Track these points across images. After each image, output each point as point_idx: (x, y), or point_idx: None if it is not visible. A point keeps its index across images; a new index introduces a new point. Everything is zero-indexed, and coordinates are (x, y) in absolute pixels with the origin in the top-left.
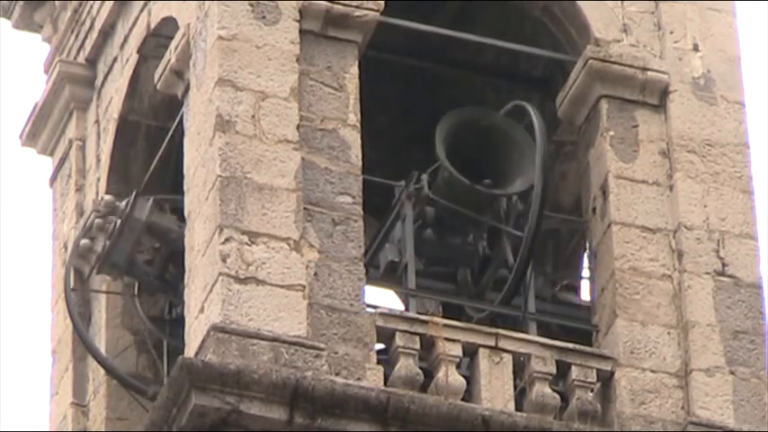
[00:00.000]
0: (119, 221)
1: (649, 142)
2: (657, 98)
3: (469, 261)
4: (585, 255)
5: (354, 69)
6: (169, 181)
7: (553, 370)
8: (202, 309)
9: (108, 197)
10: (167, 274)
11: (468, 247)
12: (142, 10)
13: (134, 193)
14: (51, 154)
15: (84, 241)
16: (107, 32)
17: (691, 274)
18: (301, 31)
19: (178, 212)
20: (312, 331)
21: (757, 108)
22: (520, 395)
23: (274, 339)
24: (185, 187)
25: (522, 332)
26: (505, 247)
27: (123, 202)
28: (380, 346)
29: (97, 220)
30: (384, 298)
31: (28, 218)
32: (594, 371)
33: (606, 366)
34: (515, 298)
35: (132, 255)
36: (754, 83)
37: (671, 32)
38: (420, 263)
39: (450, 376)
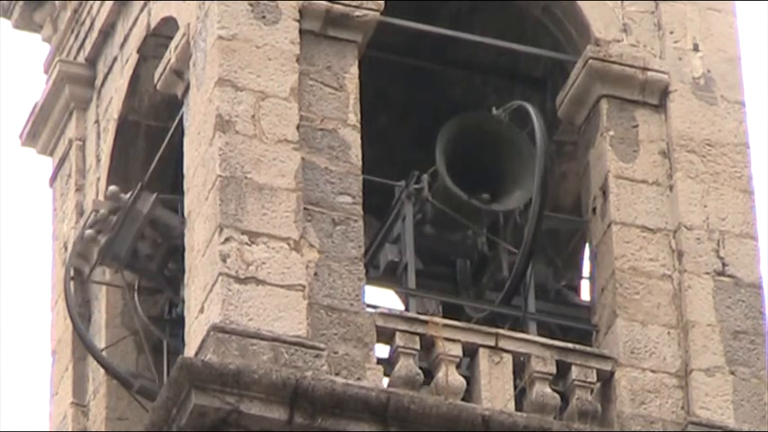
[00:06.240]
0: (122, 213)
1: (649, 142)
2: (657, 98)
3: (469, 253)
4: (586, 255)
5: (354, 69)
6: (169, 181)
7: (553, 370)
8: (202, 309)
9: (113, 188)
10: (167, 271)
11: (468, 240)
12: (142, 10)
13: (138, 186)
14: (51, 154)
15: (89, 231)
16: (107, 32)
17: (691, 274)
18: (301, 31)
19: (179, 211)
20: (312, 331)
21: (757, 108)
22: (520, 395)
23: (274, 339)
24: (185, 187)
25: (522, 332)
26: (503, 250)
27: (127, 195)
28: (384, 355)
29: (100, 212)
30: (384, 298)
31: (28, 218)
32: (594, 371)
33: (606, 366)
34: (515, 298)
35: (133, 247)
36: (754, 83)
37: (671, 32)
38: (419, 258)
39: (450, 376)
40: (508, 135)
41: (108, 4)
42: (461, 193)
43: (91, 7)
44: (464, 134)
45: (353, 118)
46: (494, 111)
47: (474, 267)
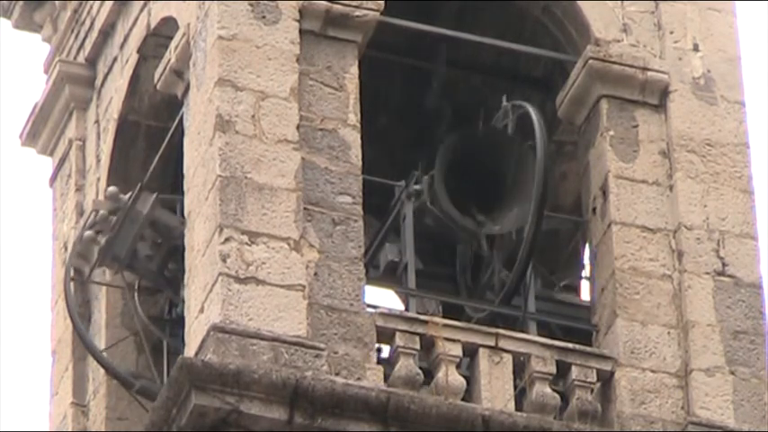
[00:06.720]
0: (121, 214)
1: (649, 142)
2: (657, 98)
3: (470, 240)
4: (586, 255)
5: (354, 69)
6: (169, 181)
7: (553, 370)
8: (202, 309)
9: (112, 188)
10: (167, 271)
11: (468, 231)
12: (142, 10)
13: (138, 187)
14: (51, 154)
15: (88, 233)
16: (107, 32)
17: (691, 274)
18: (301, 31)
19: (179, 211)
20: (312, 331)
21: (757, 108)
22: (520, 395)
23: (274, 339)
24: (185, 187)
25: (522, 332)
26: (500, 251)
27: (126, 195)
28: (384, 355)
29: (100, 213)
30: (384, 298)
31: (28, 218)
32: (594, 371)
33: (606, 366)
34: (515, 298)
35: (133, 247)
36: (754, 83)
37: (671, 32)
38: (419, 258)
39: (450, 376)
40: (510, 146)
41: (108, 4)
42: (456, 213)
43: (91, 7)
44: (465, 145)
45: (353, 118)
46: (503, 101)
47: (473, 255)
